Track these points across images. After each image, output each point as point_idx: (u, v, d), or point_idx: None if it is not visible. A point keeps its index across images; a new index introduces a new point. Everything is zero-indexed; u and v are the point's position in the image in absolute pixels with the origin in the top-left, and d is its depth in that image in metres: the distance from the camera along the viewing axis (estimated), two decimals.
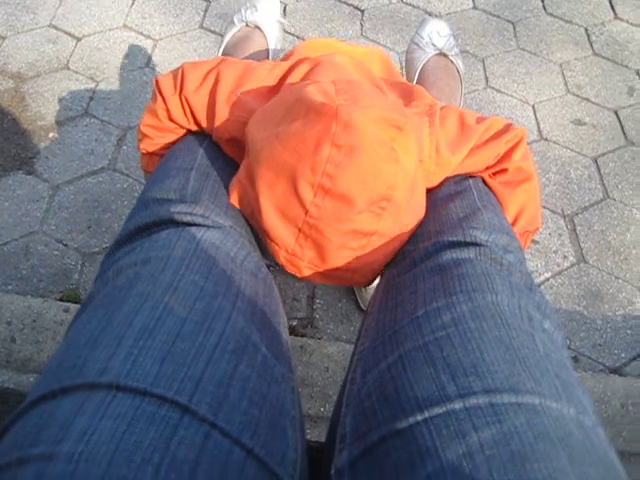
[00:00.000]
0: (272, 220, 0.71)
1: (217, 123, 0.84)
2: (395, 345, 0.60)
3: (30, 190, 1.63)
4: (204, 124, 0.87)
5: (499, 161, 0.87)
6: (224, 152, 0.87)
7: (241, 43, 1.24)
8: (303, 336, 1.41)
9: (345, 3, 2.20)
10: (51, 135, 1.76)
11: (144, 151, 0.95)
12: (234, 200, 0.77)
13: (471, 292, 0.62)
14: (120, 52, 1.99)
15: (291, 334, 1.42)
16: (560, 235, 1.70)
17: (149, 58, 1.98)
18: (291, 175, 0.67)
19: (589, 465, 0.46)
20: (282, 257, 0.73)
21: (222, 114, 0.84)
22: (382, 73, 0.97)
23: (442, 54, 1.27)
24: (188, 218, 0.72)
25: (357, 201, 0.66)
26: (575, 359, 1.48)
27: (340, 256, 0.72)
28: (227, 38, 1.28)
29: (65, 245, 1.53)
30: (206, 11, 2.14)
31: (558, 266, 1.64)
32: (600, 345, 1.51)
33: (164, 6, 2.14)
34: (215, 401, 0.51)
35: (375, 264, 0.78)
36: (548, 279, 1.61)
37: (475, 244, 0.71)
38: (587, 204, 1.77)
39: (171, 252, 0.65)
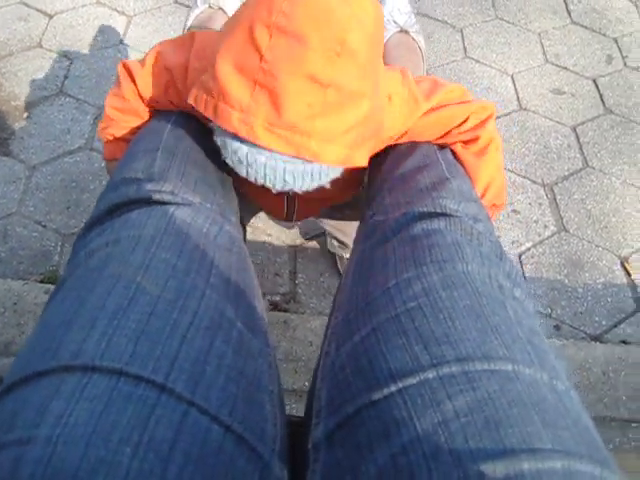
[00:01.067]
0: (228, 77, 0.68)
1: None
2: (368, 317, 0.60)
3: (7, 172, 1.61)
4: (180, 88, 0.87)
5: (472, 129, 0.88)
6: (190, 131, 0.87)
7: (204, 25, 1.23)
8: (286, 311, 1.41)
9: None
10: (26, 115, 1.73)
11: (110, 137, 0.94)
12: (192, 99, 0.75)
13: (441, 262, 0.62)
14: (94, 29, 1.96)
15: (274, 309, 1.42)
16: (540, 205, 1.70)
17: (123, 34, 1.95)
18: (249, 23, 0.67)
19: (563, 428, 0.47)
20: (235, 119, 0.68)
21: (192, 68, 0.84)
22: None
23: (403, 31, 1.27)
24: (157, 196, 0.71)
25: (310, 39, 0.65)
26: (557, 327, 1.49)
27: (297, 110, 0.67)
28: (190, 20, 1.26)
29: (44, 226, 1.52)
30: None
31: (539, 235, 1.65)
32: (581, 313, 1.53)
33: None
34: (192, 379, 0.51)
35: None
36: (529, 249, 1.62)
37: (445, 214, 0.71)
38: (567, 173, 1.78)
39: (142, 231, 0.64)
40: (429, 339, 0.54)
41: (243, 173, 0.74)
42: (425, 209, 0.73)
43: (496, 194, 0.91)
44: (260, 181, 0.74)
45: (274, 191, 0.77)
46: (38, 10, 1.99)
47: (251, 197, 1.02)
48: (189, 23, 1.26)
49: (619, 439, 1.28)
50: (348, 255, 0.89)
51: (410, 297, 0.59)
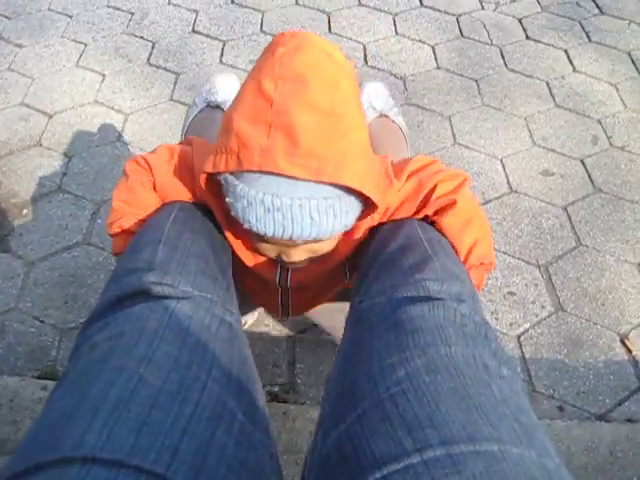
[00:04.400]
0: (244, 130, 0.74)
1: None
2: (353, 405, 0.60)
3: (5, 268, 1.62)
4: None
5: (446, 194, 0.91)
6: (191, 224, 0.89)
7: (204, 124, 1.26)
8: (285, 402, 1.39)
9: None
10: (25, 212, 1.76)
11: (118, 230, 0.95)
12: (209, 167, 0.79)
13: (424, 346, 0.63)
14: (92, 127, 2.01)
15: (273, 400, 1.40)
16: (536, 285, 1.71)
17: (120, 132, 2.01)
18: (255, 83, 0.75)
19: None
20: (257, 157, 0.73)
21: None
22: None
23: (383, 115, 1.31)
24: (158, 288, 0.73)
25: (310, 80, 0.74)
26: (560, 408, 1.47)
27: (311, 139, 0.72)
28: (189, 120, 1.30)
29: (41, 322, 1.52)
30: (175, 84, 2.18)
31: (536, 316, 1.64)
32: (584, 392, 1.51)
33: (134, 80, 2.18)
34: (193, 469, 0.50)
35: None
36: (527, 330, 1.61)
37: (428, 298, 0.72)
38: (561, 253, 1.80)
39: (145, 324, 0.65)
40: (413, 423, 0.54)
41: (269, 227, 0.77)
42: (408, 293, 0.74)
43: (483, 254, 0.92)
44: (287, 229, 0.77)
45: (300, 241, 0.80)
46: (38, 110, 2.05)
47: (247, 295, 1.03)
48: (188, 122, 1.29)
49: None
50: None
51: (394, 382, 0.59)
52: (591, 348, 1.59)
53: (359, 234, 0.91)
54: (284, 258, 0.88)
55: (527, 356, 1.56)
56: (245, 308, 1.25)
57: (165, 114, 2.07)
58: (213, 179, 0.83)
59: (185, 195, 0.93)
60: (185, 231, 0.86)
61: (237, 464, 0.55)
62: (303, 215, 0.75)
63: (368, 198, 0.80)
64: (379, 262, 0.85)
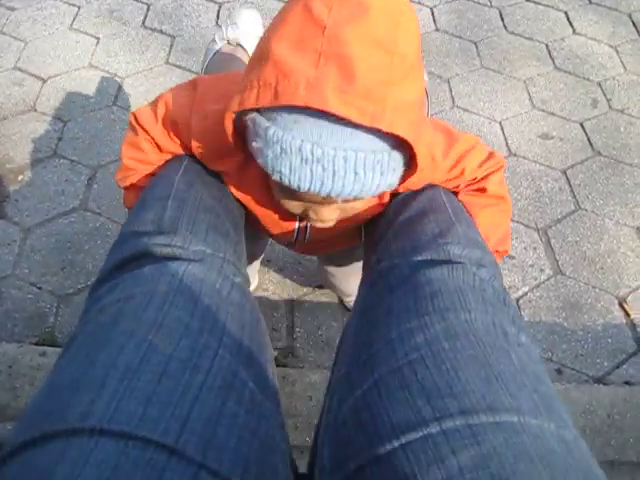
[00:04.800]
0: (287, 57, 0.62)
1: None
2: (370, 370, 0.59)
3: (1, 234, 1.61)
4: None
5: (479, 181, 0.89)
6: (201, 174, 0.86)
7: (224, 62, 1.23)
8: (284, 366, 1.40)
9: None
10: (20, 178, 1.74)
11: (128, 184, 0.93)
12: (235, 105, 0.67)
13: (444, 311, 0.62)
14: (87, 91, 1.99)
15: None
16: (535, 249, 1.71)
17: (116, 96, 1.98)
18: (302, 6, 0.64)
19: None
20: (302, 90, 0.60)
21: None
22: None
23: None
24: (167, 250, 0.71)
25: (373, 6, 0.61)
26: (558, 371, 1.48)
27: (370, 74, 0.61)
28: (209, 57, 1.26)
29: (39, 288, 1.51)
30: (171, 47, 2.15)
31: (535, 279, 1.65)
32: (582, 355, 1.52)
33: (129, 44, 2.14)
34: (203, 440, 0.49)
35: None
36: (526, 293, 1.61)
37: (449, 261, 0.71)
38: (560, 216, 1.79)
39: (155, 287, 0.64)
40: (432, 391, 0.53)
41: (304, 181, 0.66)
42: (429, 256, 0.72)
43: (499, 240, 0.91)
44: (326, 185, 0.66)
45: (339, 200, 0.71)
46: (32, 75, 2.02)
47: (261, 224, 0.98)
48: (208, 59, 1.26)
49: None
50: None
51: (412, 348, 0.58)
52: (590, 311, 1.60)
53: (387, 197, 0.88)
54: (311, 215, 0.78)
55: (526, 319, 1.56)
56: (253, 247, 1.19)
57: (161, 77, 2.04)
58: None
59: (183, 151, 0.89)
60: (195, 183, 0.84)
61: (248, 433, 0.54)
62: (347, 169, 0.64)
63: (411, 158, 0.69)
64: (399, 222, 0.82)
